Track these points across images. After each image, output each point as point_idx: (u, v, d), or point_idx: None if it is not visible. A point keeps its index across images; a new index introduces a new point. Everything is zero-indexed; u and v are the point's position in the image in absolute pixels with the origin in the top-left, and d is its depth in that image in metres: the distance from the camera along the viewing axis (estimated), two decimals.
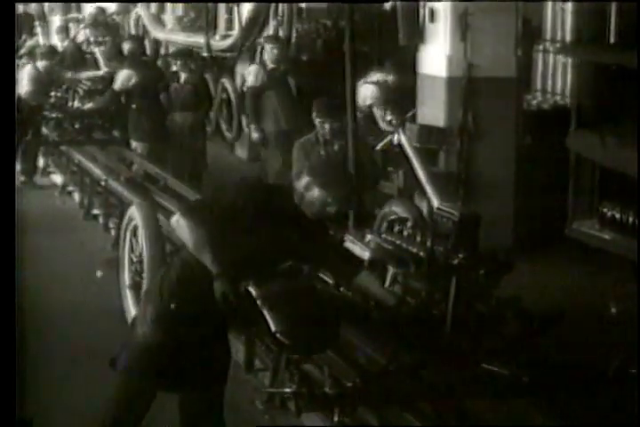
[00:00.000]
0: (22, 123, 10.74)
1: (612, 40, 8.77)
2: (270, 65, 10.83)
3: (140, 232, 6.98)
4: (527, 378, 4.21)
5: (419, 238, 4.81)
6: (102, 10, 17.38)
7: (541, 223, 9.03)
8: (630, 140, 7.79)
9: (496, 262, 4.54)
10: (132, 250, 7.24)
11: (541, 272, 8.03)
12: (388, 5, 11.36)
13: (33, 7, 19.29)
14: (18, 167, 11.39)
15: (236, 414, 5.13)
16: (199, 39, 13.50)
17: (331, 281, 4.99)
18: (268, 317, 4.11)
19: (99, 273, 7.96)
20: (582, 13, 9.31)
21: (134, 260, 7.14)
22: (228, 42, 13.02)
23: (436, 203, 6.52)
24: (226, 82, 13.36)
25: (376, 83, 9.90)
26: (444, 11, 8.55)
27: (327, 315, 4.31)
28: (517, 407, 4.21)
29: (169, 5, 15.76)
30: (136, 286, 7.10)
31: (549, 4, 10.93)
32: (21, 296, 6.54)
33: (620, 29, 8.66)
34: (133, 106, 11.04)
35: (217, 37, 13.53)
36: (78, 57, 14.85)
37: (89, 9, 18.81)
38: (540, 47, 11.18)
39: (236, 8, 12.81)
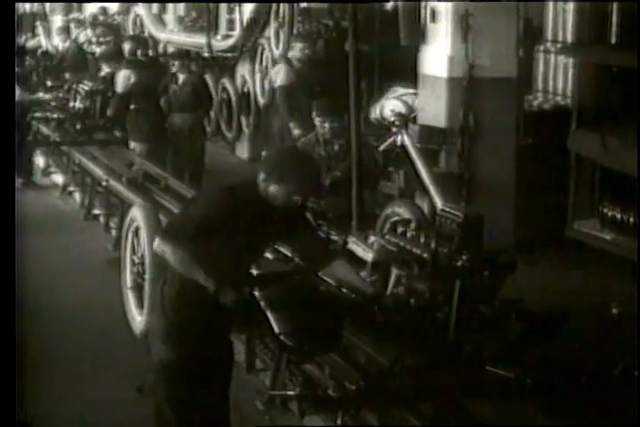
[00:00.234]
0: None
1: (612, 40, 8.77)
2: (297, 64, 10.84)
3: (142, 234, 6.96)
4: (531, 380, 4.20)
5: (422, 240, 4.79)
6: (104, 10, 17.39)
7: (542, 223, 9.03)
8: (631, 140, 7.79)
9: (500, 264, 4.53)
10: (133, 251, 7.23)
11: (541, 272, 8.02)
12: (389, 5, 11.37)
13: (34, 7, 19.31)
14: None
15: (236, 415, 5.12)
16: (200, 39, 13.49)
17: (333, 282, 4.99)
18: (271, 318, 4.11)
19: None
20: (583, 14, 9.32)
21: (136, 261, 7.12)
22: (230, 42, 13.02)
23: (439, 204, 6.52)
24: (226, 82, 13.37)
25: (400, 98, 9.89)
26: (445, 11, 8.54)
27: (330, 316, 4.31)
28: (521, 409, 4.21)
29: (170, 5, 15.75)
30: (138, 288, 7.08)
31: (550, 5, 10.95)
32: (21, 296, 6.52)
33: (621, 30, 8.66)
34: (132, 106, 11.04)
35: (218, 37, 13.53)
36: (80, 57, 14.86)
37: (90, 9, 18.86)
38: (541, 47, 11.20)
39: (237, 8, 12.80)
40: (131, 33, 16.25)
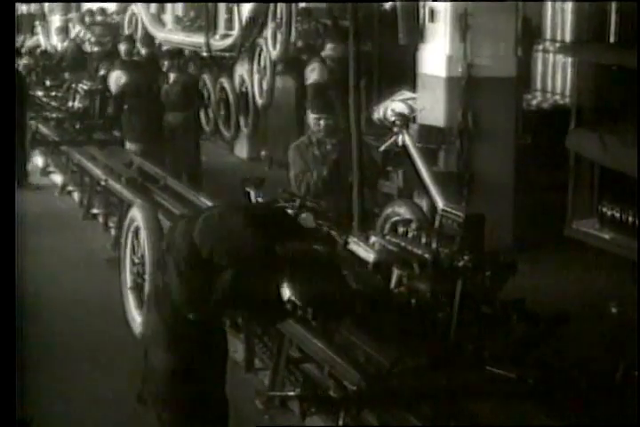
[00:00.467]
0: None
1: (611, 40, 8.78)
2: (330, 63, 10.95)
3: (142, 234, 6.96)
4: (532, 380, 4.20)
5: (424, 240, 4.79)
6: (103, 10, 17.37)
7: (541, 223, 9.04)
8: (630, 139, 7.80)
9: (501, 264, 4.52)
10: (133, 251, 7.23)
11: (541, 272, 8.02)
12: (387, 5, 11.37)
13: (31, 8, 19.30)
14: None
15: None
16: (199, 39, 13.49)
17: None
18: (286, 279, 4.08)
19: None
20: (582, 13, 9.33)
21: (136, 261, 7.12)
22: (228, 42, 13.02)
23: (440, 204, 6.51)
24: (224, 82, 13.37)
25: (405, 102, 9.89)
26: (444, 10, 8.55)
27: (345, 289, 4.32)
28: (522, 409, 4.20)
29: (169, 5, 15.73)
30: (137, 288, 7.08)
31: (549, 4, 10.97)
32: (21, 296, 6.53)
33: (620, 29, 8.68)
34: (125, 106, 11.04)
35: (217, 37, 13.53)
36: (79, 57, 14.86)
37: (86, 8, 18.82)
38: (540, 47, 11.23)
39: (235, 8, 12.80)
40: (127, 33, 16.24)
